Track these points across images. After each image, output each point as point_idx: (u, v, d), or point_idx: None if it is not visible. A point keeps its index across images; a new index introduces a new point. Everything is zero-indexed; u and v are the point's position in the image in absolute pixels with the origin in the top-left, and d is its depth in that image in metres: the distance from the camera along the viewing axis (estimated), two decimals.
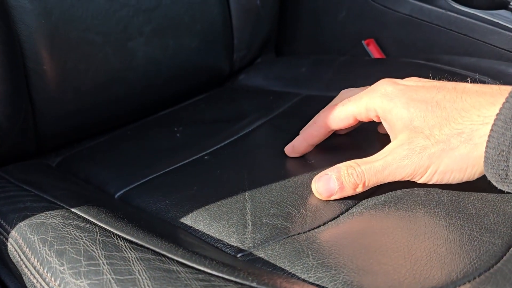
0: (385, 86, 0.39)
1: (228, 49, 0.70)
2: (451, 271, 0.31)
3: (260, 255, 0.35)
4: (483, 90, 0.35)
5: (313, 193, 0.41)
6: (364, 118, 0.42)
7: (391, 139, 0.40)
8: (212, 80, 0.72)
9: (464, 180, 0.36)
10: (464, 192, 0.39)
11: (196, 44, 0.64)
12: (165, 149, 0.53)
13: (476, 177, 0.36)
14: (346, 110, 0.42)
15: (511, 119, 0.31)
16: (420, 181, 0.37)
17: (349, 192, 0.39)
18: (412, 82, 0.40)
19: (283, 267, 0.33)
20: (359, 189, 0.39)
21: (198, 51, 0.65)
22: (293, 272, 0.32)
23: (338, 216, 0.39)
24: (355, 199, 0.40)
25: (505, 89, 0.34)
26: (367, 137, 0.48)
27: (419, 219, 0.36)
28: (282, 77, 0.71)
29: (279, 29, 0.83)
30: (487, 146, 0.32)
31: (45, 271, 0.31)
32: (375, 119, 0.41)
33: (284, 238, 0.36)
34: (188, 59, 0.65)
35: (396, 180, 0.38)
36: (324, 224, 0.38)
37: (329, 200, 0.40)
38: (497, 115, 0.32)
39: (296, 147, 0.47)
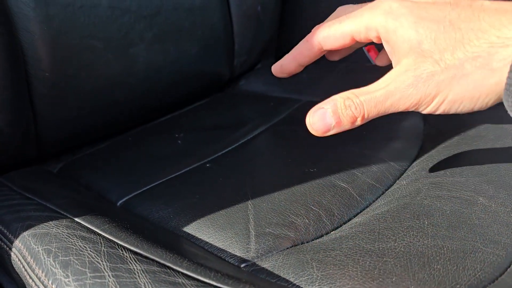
0: (390, 2, 0.34)
1: (229, 55, 0.70)
2: (456, 283, 0.31)
3: (264, 266, 0.35)
4: (504, 8, 0.31)
5: (315, 202, 0.41)
6: (363, 38, 0.37)
7: (393, 64, 0.36)
8: (213, 86, 0.72)
9: (475, 109, 0.33)
10: (467, 202, 0.39)
11: (196, 49, 0.64)
12: (166, 156, 0.53)
13: (488, 106, 0.32)
14: (343, 27, 0.37)
15: None
16: (424, 112, 0.34)
17: (346, 126, 0.35)
18: None
19: (287, 278, 0.33)
20: (358, 123, 0.35)
21: (199, 56, 0.65)
22: (297, 284, 0.32)
23: (341, 226, 0.39)
24: (357, 209, 0.41)
25: None
26: (377, 131, 0.47)
27: (422, 229, 0.36)
28: (282, 82, 0.71)
29: (280, 35, 0.83)
30: (510, 71, 0.29)
31: (50, 282, 0.31)
32: (375, 40, 0.36)
33: (288, 248, 0.36)
34: (188, 65, 0.65)
35: (399, 111, 0.34)
36: (327, 233, 0.38)
37: (332, 210, 0.40)
38: None
39: (284, 66, 0.43)
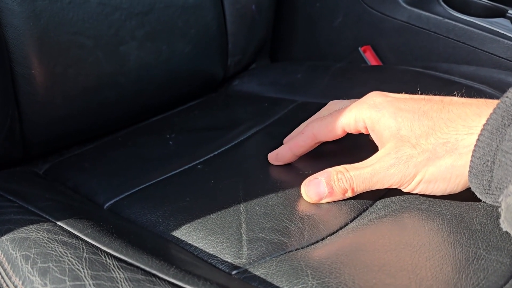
0: (374, 98, 0.40)
1: (222, 54, 0.69)
2: None
3: (256, 273, 0.33)
4: (469, 102, 0.36)
5: (311, 207, 0.39)
6: (352, 129, 0.41)
7: (379, 149, 0.40)
8: (206, 86, 0.70)
9: (447, 192, 0.36)
10: (467, 207, 0.37)
11: (189, 49, 0.63)
12: (156, 157, 0.52)
13: (459, 189, 0.36)
14: (335, 121, 0.42)
15: (497, 129, 0.31)
16: (406, 190, 0.38)
17: (338, 196, 0.39)
18: (401, 95, 0.40)
19: (280, 286, 0.31)
20: (348, 194, 0.39)
21: (192, 56, 0.64)
22: None
23: (337, 231, 0.37)
24: (354, 213, 0.39)
25: (490, 102, 0.34)
26: (363, 146, 0.47)
27: (423, 235, 0.34)
28: (277, 83, 0.70)
29: (274, 34, 0.81)
30: (472, 156, 0.33)
31: None
32: (363, 131, 0.41)
33: (281, 254, 0.35)
34: (181, 64, 0.63)
35: (384, 187, 0.38)
36: (322, 239, 0.37)
37: (327, 214, 0.39)
38: (484, 125, 0.32)
39: (280, 155, 0.46)
